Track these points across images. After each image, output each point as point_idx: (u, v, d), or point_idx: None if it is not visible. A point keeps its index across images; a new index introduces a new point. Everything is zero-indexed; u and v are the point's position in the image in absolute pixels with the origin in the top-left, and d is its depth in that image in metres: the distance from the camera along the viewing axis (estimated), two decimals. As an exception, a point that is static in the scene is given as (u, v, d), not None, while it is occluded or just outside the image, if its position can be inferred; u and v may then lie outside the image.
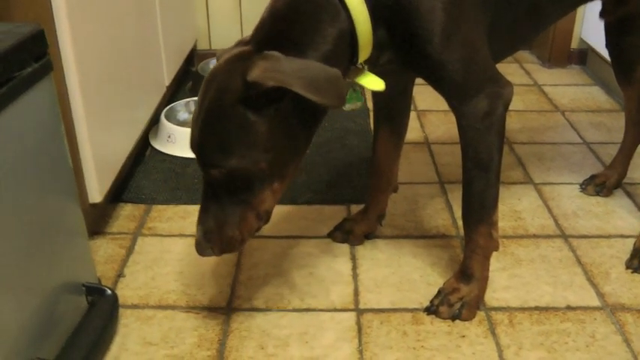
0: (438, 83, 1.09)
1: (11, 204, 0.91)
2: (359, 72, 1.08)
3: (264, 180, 1.02)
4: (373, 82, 1.07)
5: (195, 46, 2.47)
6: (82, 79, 1.25)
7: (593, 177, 1.65)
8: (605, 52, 2.19)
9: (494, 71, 1.10)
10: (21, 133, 0.93)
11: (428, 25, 1.01)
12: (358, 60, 1.05)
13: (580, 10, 2.41)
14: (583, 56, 2.50)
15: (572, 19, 2.44)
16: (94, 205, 1.37)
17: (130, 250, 1.40)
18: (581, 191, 1.63)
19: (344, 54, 1.03)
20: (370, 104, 2.09)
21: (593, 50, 2.39)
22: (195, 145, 1.01)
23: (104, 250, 1.40)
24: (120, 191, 1.62)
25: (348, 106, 1.18)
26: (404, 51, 1.06)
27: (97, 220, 1.48)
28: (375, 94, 1.32)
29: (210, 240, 1.06)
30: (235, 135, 0.97)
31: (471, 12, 1.04)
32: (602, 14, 1.43)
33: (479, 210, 1.16)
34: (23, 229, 0.94)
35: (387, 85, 1.27)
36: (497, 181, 1.14)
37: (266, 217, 1.08)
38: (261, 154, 0.98)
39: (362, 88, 1.11)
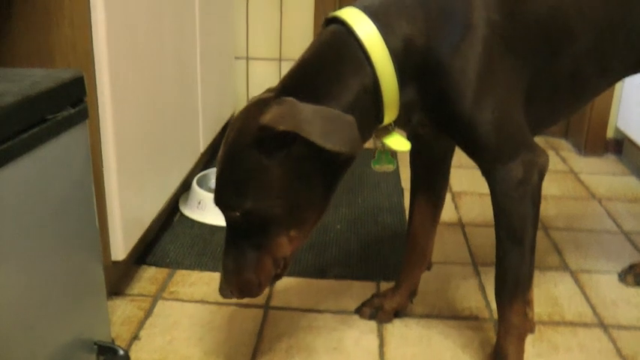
0: (470, 147, 1.07)
1: (30, 252, 0.88)
2: (387, 132, 1.06)
3: (281, 226, 1.01)
4: (398, 143, 1.06)
5: (233, 115, 2.49)
6: (117, 133, 1.25)
7: (632, 267, 1.58)
8: (643, 142, 2.18)
9: (529, 138, 1.07)
10: (49, 176, 0.91)
11: (458, 86, 1.00)
12: (384, 118, 1.03)
13: (616, 99, 2.40)
14: (619, 146, 2.47)
15: (608, 107, 2.42)
16: (117, 264, 1.34)
17: (148, 313, 1.36)
18: (619, 281, 1.56)
19: (368, 110, 1.02)
20: (404, 184, 2.07)
21: (629, 140, 2.36)
22: (215, 186, 1.02)
23: (122, 311, 1.36)
24: (144, 254, 1.59)
25: (378, 167, 1.16)
26: (435, 112, 1.05)
27: (119, 281, 1.45)
28: (413, 163, 1.29)
29: (229, 282, 1.05)
30: (249, 178, 0.97)
31: (505, 75, 1.02)
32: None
33: (513, 286, 1.10)
34: (39, 279, 0.91)
35: (424, 153, 1.26)
36: (532, 256, 1.09)
37: (283, 263, 1.06)
38: (274, 199, 0.98)
39: (394, 152, 1.10)
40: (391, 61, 0.99)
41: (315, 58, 1.03)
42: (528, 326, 1.13)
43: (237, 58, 2.50)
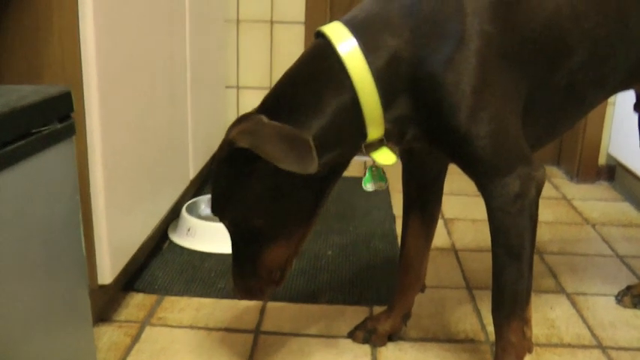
0: (465, 161, 1.05)
1: (10, 272, 0.84)
2: (377, 147, 1.05)
3: (267, 237, 1.05)
4: (384, 157, 1.05)
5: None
6: (105, 154, 1.23)
7: (629, 288, 1.55)
8: (635, 168, 2.17)
9: (526, 152, 1.05)
10: (34, 192, 0.89)
11: (453, 99, 0.98)
12: (367, 135, 1.02)
13: (607, 124, 2.41)
14: (611, 172, 2.47)
15: (600, 134, 2.43)
16: (103, 288, 1.31)
17: (135, 339, 1.32)
18: (617, 303, 1.53)
19: (348, 127, 1.01)
20: (396, 210, 2.05)
21: (621, 166, 2.36)
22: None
23: (108, 337, 1.32)
24: (132, 280, 1.55)
25: (369, 186, 1.17)
26: (429, 126, 1.03)
27: (105, 307, 1.41)
28: (406, 183, 1.27)
29: (236, 285, 1.11)
30: (226, 190, 1.03)
31: (501, 87, 1.01)
32: (637, 107, 1.39)
33: (510, 303, 1.07)
34: (21, 301, 0.87)
35: (417, 171, 1.24)
36: (529, 272, 1.06)
37: (279, 272, 1.10)
38: (251, 211, 1.03)
39: (383, 171, 1.12)
40: (371, 76, 0.98)
41: (295, 74, 1.03)
42: (526, 345, 1.10)
43: (227, 87, 2.50)
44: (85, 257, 1.07)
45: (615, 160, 2.40)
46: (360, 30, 1.00)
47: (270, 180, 1.00)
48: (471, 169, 1.05)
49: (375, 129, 1.02)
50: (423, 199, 1.27)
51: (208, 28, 2.09)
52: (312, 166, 0.93)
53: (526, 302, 1.08)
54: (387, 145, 1.06)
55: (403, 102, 1.02)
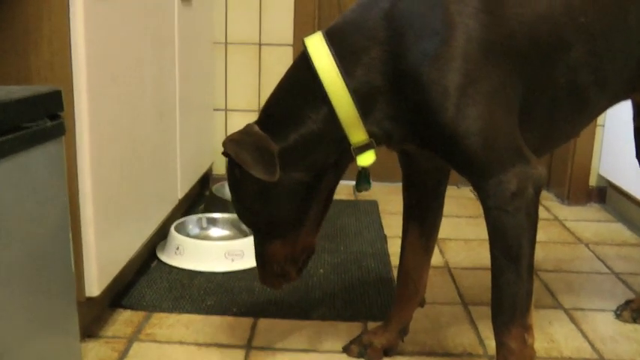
0: (457, 161, 1.03)
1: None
2: (364, 150, 1.06)
3: (266, 234, 1.13)
4: (364, 159, 1.06)
5: (211, 169, 2.45)
6: (94, 161, 1.20)
7: (627, 302, 1.53)
8: (626, 187, 2.16)
9: (522, 149, 1.01)
10: (21, 191, 0.86)
11: (437, 97, 0.97)
12: (350, 139, 1.04)
13: (597, 146, 2.41)
14: (602, 194, 2.45)
15: (590, 156, 2.42)
16: (90, 301, 1.26)
17: (123, 354, 1.27)
18: (616, 318, 1.51)
19: (329, 133, 1.04)
20: (387, 231, 2.02)
21: (613, 186, 2.35)
22: None
23: (95, 353, 1.27)
24: (120, 297, 1.51)
25: (358, 189, 1.20)
26: (416, 126, 1.02)
27: (92, 323, 1.36)
28: (406, 191, 1.25)
29: (258, 273, 1.19)
30: (230, 188, 1.14)
31: (490, 83, 0.98)
32: (637, 118, 1.38)
33: (510, 308, 1.03)
34: (6, 311, 0.84)
35: (416, 179, 1.22)
36: (530, 275, 1.03)
37: (284, 269, 1.16)
38: (246, 208, 1.12)
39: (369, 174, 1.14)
40: (345, 84, 1.00)
41: (281, 85, 1.10)
42: (528, 354, 1.07)
43: (215, 109, 2.48)
44: (72, 264, 1.03)
45: (606, 180, 2.39)
46: (336, 38, 1.03)
47: (256, 182, 1.06)
48: (464, 168, 1.03)
49: (355, 134, 1.04)
50: (422, 208, 1.25)
51: (197, 50, 2.08)
52: (274, 175, 1.02)
53: (526, 307, 1.04)
54: (374, 148, 1.05)
55: (385, 103, 1.02)
